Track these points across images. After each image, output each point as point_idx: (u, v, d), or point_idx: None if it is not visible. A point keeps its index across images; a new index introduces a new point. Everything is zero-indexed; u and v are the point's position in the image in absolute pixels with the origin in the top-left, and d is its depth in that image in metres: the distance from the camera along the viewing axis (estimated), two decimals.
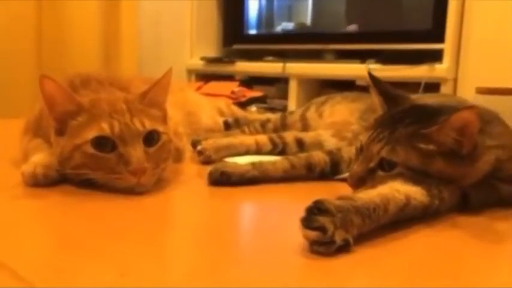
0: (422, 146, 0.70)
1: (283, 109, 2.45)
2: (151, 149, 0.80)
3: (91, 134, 0.78)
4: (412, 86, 2.18)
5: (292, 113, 1.31)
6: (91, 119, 0.80)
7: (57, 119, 0.82)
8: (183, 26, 2.94)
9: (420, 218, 0.67)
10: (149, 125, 0.81)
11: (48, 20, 2.28)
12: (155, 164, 0.80)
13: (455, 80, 2.17)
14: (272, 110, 2.43)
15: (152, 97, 0.85)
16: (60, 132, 0.82)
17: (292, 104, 2.56)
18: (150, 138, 0.81)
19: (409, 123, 0.72)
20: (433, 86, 2.16)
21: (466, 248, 0.61)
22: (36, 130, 0.93)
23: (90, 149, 0.77)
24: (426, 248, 0.61)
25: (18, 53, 2.16)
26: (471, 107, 0.69)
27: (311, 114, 1.23)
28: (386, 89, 0.82)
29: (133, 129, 0.79)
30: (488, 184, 0.74)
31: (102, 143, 0.78)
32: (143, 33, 2.80)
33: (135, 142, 0.78)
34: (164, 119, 0.88)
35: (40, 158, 0.82)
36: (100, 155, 0.77)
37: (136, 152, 0.77)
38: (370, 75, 0.83)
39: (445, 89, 2.16)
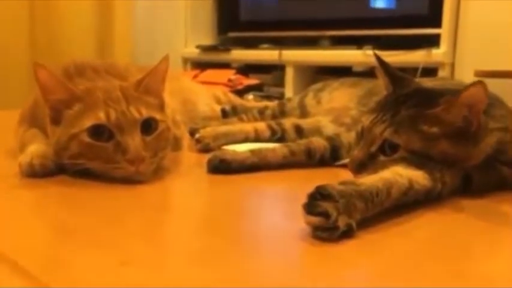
0: (426, 128, 0.69)
1: (280, 97, 2.44)
2: (149, 137, 0.79)
3: (87, 122, 0.77)
4: (410, 71, 2.17)
5: (290, 99, 1.30)
6: (87, 108, 0.78)
7: (53, 108, 0.80)
8: (178, 14, 2.91)
9: (423, 202, 0.67)
10: (146, 113, 0.79)
11: (41, 18, 2.25)
12: (153, 153, 0.79)
13: (452, 65, 2.17)
14: (269, 97, 2.42)
15: (148, 85, 0.84)
16: (56, 121, 0.80)
17: (288, 91, 2.55)
18: (148, 126, 0.79)
19: (412, 105, 0.71)
20: (430, 71, 2.16)
21: (470, 232, 0.61)
22: (31, 120, 0.92)
23: (87, 138, 0.76)
24: (430, 232, 0.60)
25: (12, 51, 2.14)
26: (481, 82, 0.67)
27: (309, 100, 1.22)
28: (393, 71, 0.81)
29: (129, 117, 0.78)
30: (490, 167, 0.74)
31: (98, 131, 0.76)
32: (137, 22, 2.77)
33: (132, 130, 0.77)
34: (162, 107, 0.86)
35: (36, 148, 0.80)
36: (97, 144, 0.76)
37: (134, 141, 0.76)
38: (377, 57, 0.82)
39: (443, 73, 2.15)
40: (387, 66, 0.80)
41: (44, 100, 0.80)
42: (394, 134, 0.70)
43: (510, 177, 0.75)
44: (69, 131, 0.77)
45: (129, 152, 0.75)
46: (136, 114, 0.78)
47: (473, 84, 0.67)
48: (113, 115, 0.77)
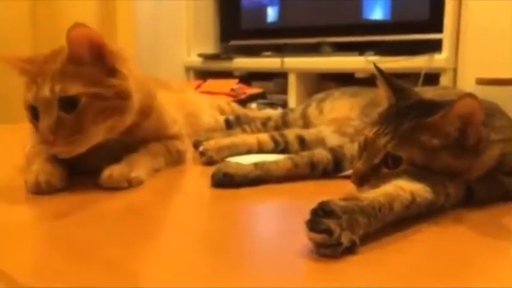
0: (426, 139, 0.69)
1: (283, 104, 2.45)
2: (70, 115, 0.78)
3: (24, 100, 0.81)
4: (412, 77, 2.18)
5: (293, 110, 1.31)
6: (28, 83, 0.81)
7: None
8: (180, 23, 2.93)
9: (426, 215, 0.67)
10: (59, 91, 0.77)
11: (43, 20, 2.26)
12: (76, 130, 0.78)
13: (455, 70, 2.17)
14: (272, 105, 2.43)
15: (75, 55, 0.80)
16: None
17: (291, 98, 2.56)
18: (67, 103, 0.78)
19: (414, 117, 0.72)
20: (432, 77, 2.16)
21: (473, 245, 0.61)
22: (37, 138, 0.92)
23: (27, 114, 0.82)
24: (433, 246, 0.61)
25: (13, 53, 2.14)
26: (471, 94, 0.67)
27: (312, 111, 1.22)
28: (395, 82, 0.81)
29: (42, 97, 0.78)
30: (493, 178, 0.74)
31: (30, 109, 0.81)
32: (139, 31, 2.79)
33: (46, 110, 0.78)
34: (109, 75, 0.82)
35: (42, 166, 0.81)
36: (32, 121, 0.82)
37: (42, 122, 0.78)
38: (377, 68, 0.82)
39: (445, 79, 2.15)
40: (388, 77, 0.81)
41: None
42: (396, 147, 0.70)
43: None
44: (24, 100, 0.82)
45: (39, 133, 0.78)
46: (47, 94, 0.77)
47: (462, 96, 0.67)
48: (33, 94, 0.79)
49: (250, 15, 2.92)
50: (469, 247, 0.60)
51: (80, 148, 0.80)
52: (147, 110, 0.94)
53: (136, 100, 0.87)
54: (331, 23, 2.59)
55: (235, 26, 2.94)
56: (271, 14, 2.87)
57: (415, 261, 0.56)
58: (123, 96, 0.83)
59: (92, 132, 0.80)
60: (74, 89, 0.78)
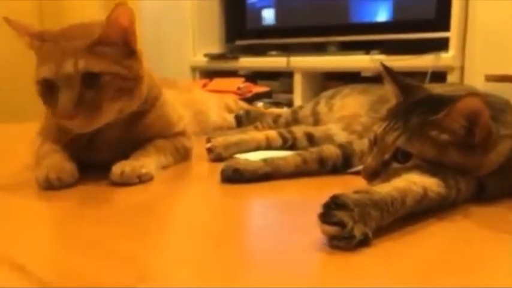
0: (435, 134, 0.69)
1: (289, 103, 2.45)
2: (90, 91, 0.80)
3: (38, 75, 0.81)
4: (419, 75, 2.17)
5: (303, 107, 1.31)
6: (42, 58, 0.82)
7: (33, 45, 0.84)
8: (185, 23, 2.93)
9: (438, 209, 0.67)
10: (83, 67, 0.79)
11: (48, 20, 2.27)
12: (94, 107, 0.80)
13: (462, 68, 2.16)
14: (277, 104, 2.43)
15: (105, 34, 0.82)
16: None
17: (297, 97, 2.56)
18: (89, 79, 0.80)
19: (423, 112, 0.72)
20: (439, 75, 2.15)
21: (485, 240, 0.61)
22: (47, 133, 0.93)
23: (40, 89, 0.82)
24: (445, 240, 0.60)
25: (19, 53, 2.14)
26: (475, 94, 0.67)
27: (321, 108, 1.22)
28: (401, 80, 0.81)
29: (65, 72, 0.79)
30: (504, 173, 0.73)
31: (46, 84, 0.81)
32: (145, 32, 2.80)
33: (67, 85, 0.79)
34: (128, 56, 0.85)
35: (52, 162, 0.82)
36: (45, 96, 0.82)
37: (64, 97, 0.78)
38: (384, 66, 0.82)
39: (452, 77, 2.15)
40: (395, 75, 0.81)
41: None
42: (406, 142, 0.70)
43: None
44: (34, 77, 0.82)
45: (58, 108, 0.78)
46: (71, 69, 0.79)
47: (468, 95, 0.67)
48: (53, 69, 0.79)
49: (255, 15, 2.92)
50: (481, 241, 0.60)
51: (96, 124, 0.82)
52: (152, 100, 0.95)
53: (144, 87, 0.90)
54: (336, 22, 2.58)
55: (241, 26, 2.94)
56: (277, 13, 2.87)
57: (427, 255, 0.56)
58: (137, 78, 0.86)
59: (107, 109, 0.82)
60: (98, 66, 0.80)
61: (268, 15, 2.90)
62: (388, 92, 0.83)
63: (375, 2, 2.52)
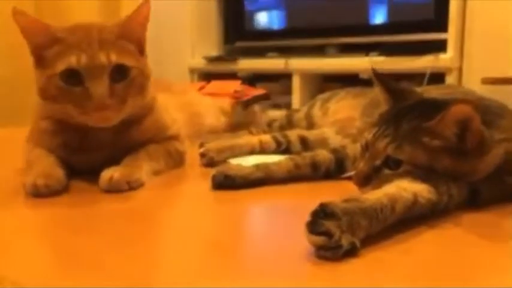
0: (427, 140, 0.68)
1: (287, 105, 2.43)
2: (119, 84, 0.81)
3: (60, 66, 0.80)
4: (417, 77, 2.17)
5: (297, 110, 1.30)
6: (63, 50, 0.81)
7: (35, 51, 0.84)
8: (184, 26, 2.93)
9: (429, 216, 0.65)
10: (116, 59, 0.81)
11: (47, 19, 2.26)
12: (121, 99, 0.82)
13: (460, 70, 2.15)
14: (276, 106, 2.42)
15: (127, 29, 0.85)
16: (38, 64, 0.84)
17: (296, 99, 2.55)
18: (118, 72, 0.81)
19: (414, 118, 0.71)
20: (438, 77, 2.14)
21: (477, 247, 0.59)
22: (36, 139, 0.92)
23: (59, 82, 0.80)
24: (436, 248, 0.59)
25: (18, 55, 2.14)
26: (466, 101, 0.67)
27: (316, 111, 1.21)
28: (391, 84, 0.80)
29: (98, 63, 0.79)
30: (498, 179, 0.72)
31: (70, 75, 0.80)
32: None
33: (100, 76, 0.79)
34: (141, 53, 0.88)
35: (40, 168, 0.81)
36: (68, 88, 0.80)
37: (99, 87, 0.79)
38: (374, 71, 0.81)
39: (450, 78, 2.14)
40: (385, 80, 0.80)
41: (28, 45, 0.84)
42: (396, 149, 0.69)
43: None
44: (47, 72, 0.81)
45: (93, 98, 0.78)
46: (104, 60, 0.80)
47: (459, 102, 0.67)
48: (83, 60, 0.79)
49: (254, 17, 2.91)
50: (472, 248, 0.59)
51: (120, 118, 0.83)
52: (150, 105, 0.95)
53: (151, 87, 0.92)
54: (335, 24, 2.57)
55: (240, 28, 2.93)
56: (275, 15, 2.86)
57: (417, 263, 0.55)
58: (149, 77, 0.88)
59: (130, 104, 0.84)
60: (127, 60, 0.83)
61: (267, 17, 2.89)
62: (379, 96, 0.82)
63: (373, 3, 2.50)
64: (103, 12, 2.47)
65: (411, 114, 0.72)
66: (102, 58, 0.80)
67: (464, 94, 0.84)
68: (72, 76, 0.80)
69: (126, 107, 0.83)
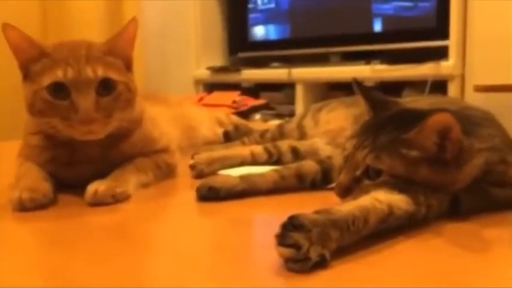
0: (405, 151, 0.68)
1: (291, 114, 2.44)
2: (105, 98, 0.83)
3: (47, 80, 0.82)
4: (419, 84, 2.16)
5: (289, 121, 1.30)
6: (50, 65, 0.83)
7: (22, 64, 0.86)
8: (188, 37, 2.96)
9: (407, 227, 0.65)
10: (102, 73, 0.83)
11: (52, 21, 2.29)
12: (107, 113, 0.83)
13: (462, 77, 2.14)
14: (280, 116, 2.43)
15: (114, 45, 0.87)
16: (25, 77, 0.86)
17: (299, 109, 2.55)
18: (104, 86, 0.83)
19: (393, 129, 0.71)
20: (440, 84, 2.13)
21: (453, 259, 0.59)
22: (27, 154, 0.93)
23: (46, 95, 0.82)
24: (407, 261, 0.59)
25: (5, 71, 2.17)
26: (444, 110, 0.67)
27: (307, 122, 1.21)
28: (372, 95, 0.80)
29: (84, 77, 0.81)
30: (479, 188, 0.72)
31: (57, 89, 0.81)
32: (148, 46, 2.83)
33: (86, 90, 0.81)
34: (128, 68, 0.90)
35: (27, 182, 0.82)
36: (54, 102, 0.81)
37: (85, 101, 0.80)
38: (356, 82, 0.82)
39: (453, 86, 2.12)
40: (366, 91, 0.80)
41: (16, 59, 0.85)
42: (375, 159, 0.69)
43: (499, 198, 0.73)
44: (33, 86, 0.83)
45: (79, 112, 0.80)
46: (91, 74, 0.82)
47: (437, 112, 0.66)
48: (70, 73, 0.81)
49: (257, 27, 2.93)
50: (448, 261, 0.58)
51: (106, 132, 0.85)
52: (139, 119, 0.96)
53: (138, 102, 0.94)
54: (337, 33, 2.58)
55: (243, 38, 2.95)
56: (278, 25, 2.88)
57: (388, 276, 0.54)
58: (135, 92, 0.90)
59: (116, 118, 0.86)
60: (114, 74, 0.85)
61: (270, 28, 2.91)
62: (363, 107, 0.82)
63: (374, 11, 2.50)
64: (106, 25, 2.50)
65: (390, 125, 0.71)
66: (89, 72, 0.82)
67: (447, 103, 0.84)
68: (59, 90, 0.82)
69: (112, 120, 0.84)
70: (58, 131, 0.84)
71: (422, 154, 0.68)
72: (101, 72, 0.83)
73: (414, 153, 0.67)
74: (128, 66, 0.90)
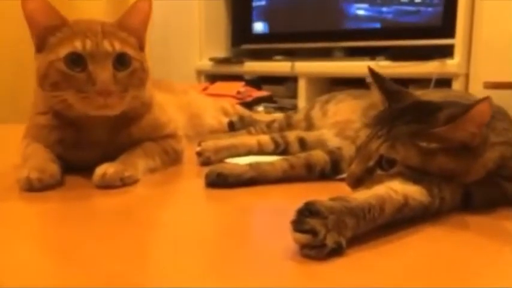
0: (425, 144, 0.67)
1: (293, 108, 2.43)
2: (121, 73, 0.83)
3: (64, 51, 0.80)
4: (423, 82, 2.15)
5: (297, 112, 1.29)
6: (68, 37, 0.82)
7: (38, 36, 0.84)
8: (192, 28, 2.94)
9: (421, 218, 0.65)
10: (119, 47, 0.82)
11: None
12: (123, 88, 0.82)
13: (467, 75, 2.13)
14: (282, 109, 2.42)
15: (128, 22, 0.87)
16: (40, 49, 0.84)
17: (301, 103, 2.54)
18: (121, 61, 0.83)
19: (410, 120, 0.70)
20: (444, 82, 2.13)
21: (466, 250, 0.58)
22: (34, 135, 0.92)
23: (62, 66, 0.80)
24: (424, 250, 0.58)
25: (24, 53, 2.15)
26: (488, 98, 0.64)
27: (315, 113, 1.21)
28: (388, 85, 0.79)
29: (102, 50, 0.81)
30: (492, 182, 0.71)
31: (73, 60, 0.80)
32: (151, 35, 2.80)
33: (104, 63, 0.80)
34: (141, 48, 0.90)
35: (35, 163, 0.81)
36: (71, 73, 0.80)
37: (104, 73, 0.80)
38: (371, 71, 0.81)
39: (457, 84, 2.12)
40: (382, 81, 0.79)
41: (31, 29, 0.84)
42: (390, 149, 0.68)
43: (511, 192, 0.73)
44: (49, 57, 0.81)
45: (98, 83, 0.79)
46: (109, 48, 0.81)
47: (481, 100, 0.64)
48: (88, 45, 0.80)
49: (261, 20, 2.92)
50: (462, 252, 0.58)
51: (122, 107, 0.84)
52: (148, 103, 0.95)
53: (149, 84, 0.93)
54: (342, 28, 2.57)
55: (247, 31, 2.94)
56: (282, 18, 2.86)
57: (402, 266, 0.54)
58: (147, 71, 0.89)
59: (131, 95, 0.84)
60: (130, 50, 0.84)
61: (274, 20, 2.89)
62: (376, 97, 0.81)
63: (380, 7, 2.49)
64: (110, 15, 2.49)
65: (406, 116, 0.71)
66: (107, 45, 0.81)
67: (458, 97, 0.83)
68: (76, 61, 0.80)
69: (127, 96, 0.83)
70: (69, 106, 0.82)
71: (445, 145, 0.66)
72: (118, 46, 0.83)
73: (433, 145, 0.67)
74: (141, 46, 0.90)
